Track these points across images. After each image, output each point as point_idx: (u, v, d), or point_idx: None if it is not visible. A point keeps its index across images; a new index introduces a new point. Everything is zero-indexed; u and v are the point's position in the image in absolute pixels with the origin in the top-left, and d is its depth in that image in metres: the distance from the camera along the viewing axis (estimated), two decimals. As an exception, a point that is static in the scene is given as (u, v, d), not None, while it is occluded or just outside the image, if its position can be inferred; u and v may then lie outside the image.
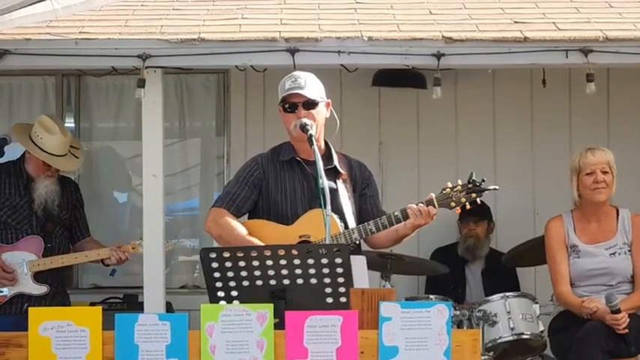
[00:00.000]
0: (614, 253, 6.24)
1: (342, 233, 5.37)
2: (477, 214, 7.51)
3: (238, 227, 5.40)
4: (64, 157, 6.58)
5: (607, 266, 6.21)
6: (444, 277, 7.43)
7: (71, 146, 6.65)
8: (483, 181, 5.41)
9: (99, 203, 7.84)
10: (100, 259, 6.51)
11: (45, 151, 6.49)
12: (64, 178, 6.76)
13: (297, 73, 5.53)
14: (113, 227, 7.35)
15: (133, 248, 6.50)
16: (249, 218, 5.54)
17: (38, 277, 6.46)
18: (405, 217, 5.37)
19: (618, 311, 5.97)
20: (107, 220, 7.76)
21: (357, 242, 5.48)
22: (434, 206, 5.36)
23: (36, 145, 6.49)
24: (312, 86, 5.44)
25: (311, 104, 5.41)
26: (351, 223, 5.46)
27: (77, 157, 6.72)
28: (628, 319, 6.00)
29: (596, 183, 6.19)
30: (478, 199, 5.43)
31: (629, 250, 6.26)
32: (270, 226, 5.41)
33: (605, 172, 6.21)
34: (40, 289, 6.46)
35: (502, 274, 7.50)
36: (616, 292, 6.13)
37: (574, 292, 6.22)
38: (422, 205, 5.36)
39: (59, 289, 6.63)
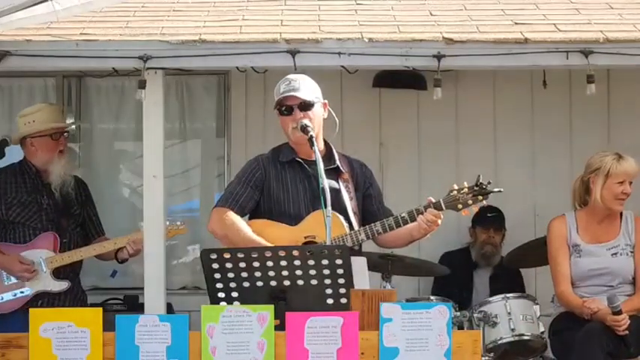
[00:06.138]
0: (615, 254, 6.24)
1: (348, 234, 5.38)
2: (499, 222, 7.59)
3: (244, 227, 5.40)
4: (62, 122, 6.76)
5: (608, 266, 6.21)
6: (452, 280, 7.47)
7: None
8: (489, 183, 5.44)
9: (99, 204, 7.83)
10: (117, 248, 6.54)
11: (46, 125, 6.58)
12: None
13: (291, 75, 5.55)
14: (113, 228, 7.33)
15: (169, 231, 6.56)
16: (250, 219, 5.55)
17: (57, 273, 6.49)
18: (412, 218, 5.39)
19: (619, 312, 5.97)
20: (107, 221, 7.74)
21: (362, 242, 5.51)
22: (441, 208, 5.37)
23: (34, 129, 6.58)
24: (306, 88, 5.45)
25: (307, 105, 5.42)
26: (354, 222, 5.47)
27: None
28: (628, 321, 6.00)
29: (624, 194, 6.19)
30: (484, 202, 5.46)
31: (631, 252, 6.26)
32: (275, 227, 5.42)
33: (630, 183, 6.22)
34: (61, 285, 6.49)
35: (509, 280, 7.49)
36: (616, 292, 6.13)
37: (575, 293, 6.22)
38: (431, 210, 5.36)
39: (76, 284, 6.66)
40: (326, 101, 5.53)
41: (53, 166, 6.57)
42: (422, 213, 5.38)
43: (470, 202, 5.43)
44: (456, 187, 5.46)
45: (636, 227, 6.30)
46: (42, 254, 6.47)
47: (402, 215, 5.42)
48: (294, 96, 5.41)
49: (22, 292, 6.45)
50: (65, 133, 6.68)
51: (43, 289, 6.46)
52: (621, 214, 6.33)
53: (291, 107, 5.43)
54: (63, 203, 6.62)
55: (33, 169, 6.60)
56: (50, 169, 6.57)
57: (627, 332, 5.99)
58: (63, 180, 6.58)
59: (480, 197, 5.44)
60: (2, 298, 6.45)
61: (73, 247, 6.57)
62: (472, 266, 7.77)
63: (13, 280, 6.46)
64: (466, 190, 5.44)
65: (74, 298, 6.56)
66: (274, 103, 5.48)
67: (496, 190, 5.48)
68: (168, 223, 6.56)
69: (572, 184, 6.41)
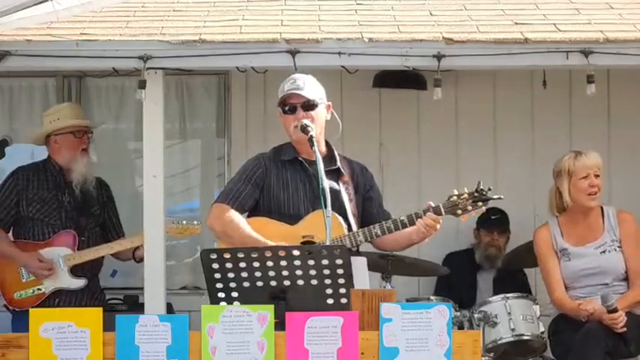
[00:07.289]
0: (604, 251, 6.25)
1: (347, 235, 5.38)
2: (503, 225, 7.58)
3: (243, 224, 5.39)
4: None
5: (598, 264, 6.22)
6: (456, 281, 7.46)
7: None
8: (490, 189, 5.44)
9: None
10: (135, 246, 6.61)
11: (70, 121, 6.65)
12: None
13: (296, 75, 5.54)
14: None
15: (180, 233, 6.65)
16: (249, 217, 5.54)
17: (75, 270, 6.52)
18: (411, 222, 5.39)
19: (615, 310, 5.98)
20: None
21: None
22: (440, 213, 5.38)
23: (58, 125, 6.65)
24: (311, 88, 5.45)
25: (310, 105, 5.42)
26: (353, 224, 5.46)
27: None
28: (625, 318, 6.00)
29: (591, 187, 6.19)
30: (484, 208, 5.47)
31: (618, 247, 6.26)
32: (274, 225, 5.41)
33: (597, 176, 6.22)
34: (78, 283, 6.54)
35: (513, 282, 7.47)
36: (611, 291, 6.13)
37: (570, 295, 6.22)
38: (430, 215, 5.36)
39: (94, 282, 6.70)
40: (330, 103, 5.53)
41: (76, 164, 6.64)
42: (421, 217, 5.38)
43: (469, 207, 5.44)
44: (456, 192, 5.46)
45: (619, 221, 6.30)
46: (60, 252, 6.53)
47: (402, 219, 5.42)
48: (298, 94, 5.41)
49: (39, 289, 6.50)
50: (90, 134, 6.76)
51: (60, 287, 6.52)
52: (603, 210, 6.33)
53: (294, 106, 5.42)
54: (83, 202, 6.67)
55: (56, 167, 6.68)
56: (73, 167, 6.64)
57: (625, 329, 6.00)
58: (85, 178, 6.64)
59: (480, 203, 5.45)
60: (20, 295, 6.49)
61: (92, 246, 6.64)
62: (476, 268, 7.76)
63: (32, 277, 6.52)
64: (466, 196, 5.45)
65: (92, 296, 6.64)
66: (277, 101, 5.48)
67: (496, 197, 5.49)
68: (185, 222, 6.62)
69: (549, 196, 6.41)
